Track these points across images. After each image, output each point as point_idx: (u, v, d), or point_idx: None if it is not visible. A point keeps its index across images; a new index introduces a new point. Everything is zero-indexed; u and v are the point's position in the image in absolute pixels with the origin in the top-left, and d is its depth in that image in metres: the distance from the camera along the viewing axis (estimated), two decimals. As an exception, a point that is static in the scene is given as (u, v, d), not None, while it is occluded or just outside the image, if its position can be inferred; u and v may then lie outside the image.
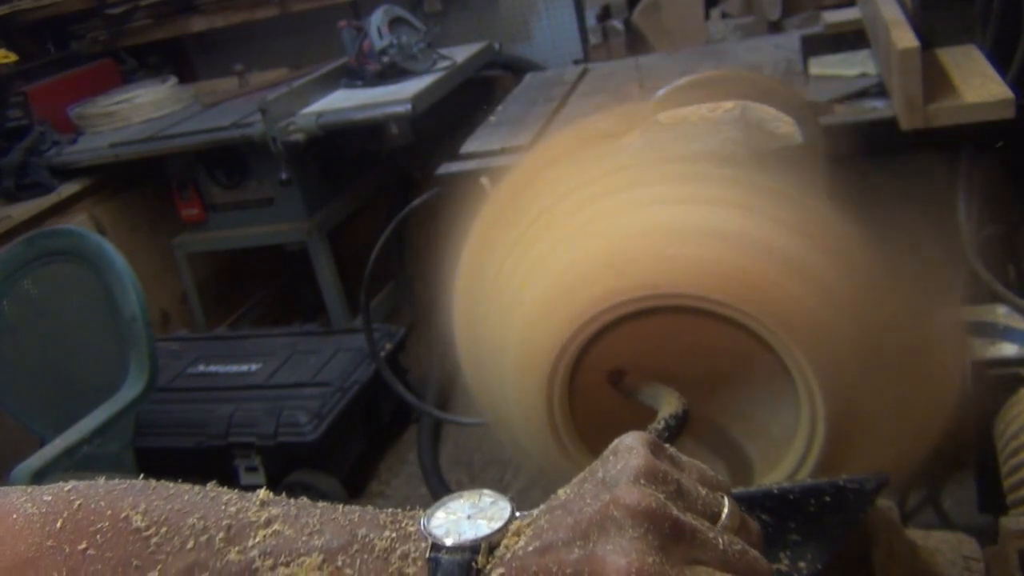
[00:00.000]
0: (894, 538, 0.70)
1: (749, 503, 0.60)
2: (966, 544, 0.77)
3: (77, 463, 1.81)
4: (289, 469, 2.45)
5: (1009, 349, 1.08)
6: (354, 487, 2.62)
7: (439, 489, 2.47)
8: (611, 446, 0.49)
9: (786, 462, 0.74)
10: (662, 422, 0.67)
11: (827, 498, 0.60)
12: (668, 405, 0.70)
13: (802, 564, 0.59)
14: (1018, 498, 0.98)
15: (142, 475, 0.51)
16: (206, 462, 2.46)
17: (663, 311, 0.74)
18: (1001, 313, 1.13)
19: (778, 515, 0.60)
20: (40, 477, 1.72)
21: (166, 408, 2.52)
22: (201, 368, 2.73)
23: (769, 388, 0.74)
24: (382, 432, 2.79)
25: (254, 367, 2.66)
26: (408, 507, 0.50)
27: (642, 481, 0.45)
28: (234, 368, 2.68)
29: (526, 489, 2.45)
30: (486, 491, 0.49)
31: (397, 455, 2.77)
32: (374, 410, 2.70)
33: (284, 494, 0.51)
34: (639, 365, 0.77)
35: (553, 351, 0.76)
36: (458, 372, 0.92)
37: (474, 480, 2.56)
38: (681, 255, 0.73)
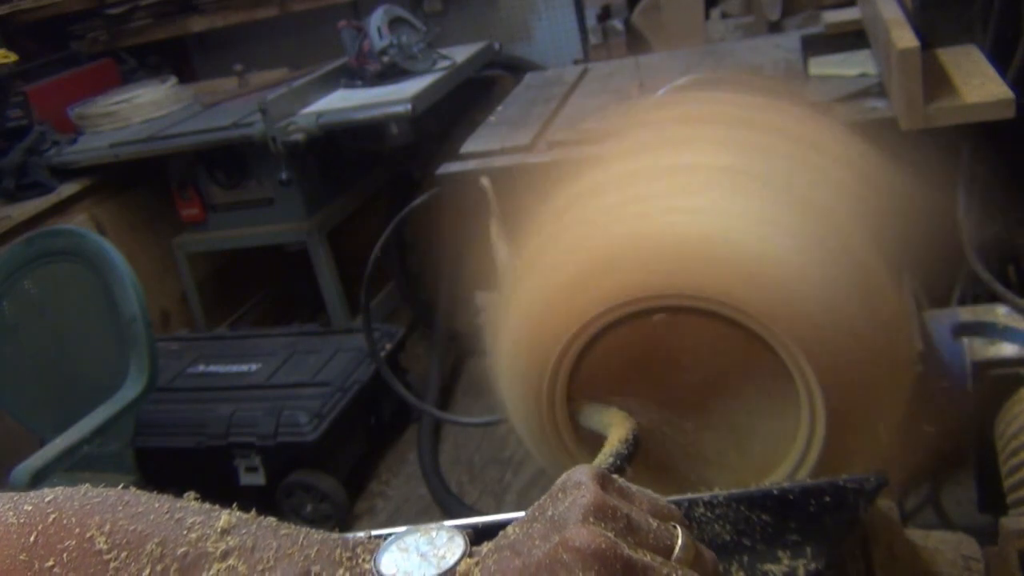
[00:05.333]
0: (894, 538, 0.70)
1: (749, 503, 0.61)
2: (966, 544, 0.77)
3: (77, 463, 1.81)
4: (289, 469, 2.45)
5: (1009, 349, 1.08)
6: (354, 487, 2.62)
7: (439, 489, 2.47)
8: (559, 481, 0.49)
9: (786, 462, 0.75)
10: (612, 450, 0.65)
11: (827, 498, 0.60)
12: (617, 430, 0.68)
13: (802, 564, 0.59)
14: (1018, 498, 0.98)
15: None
16: (206, 462, 2.46)
17: (664, 311, 0.74)
18: (1001, 313, 1.13)
19: (778, 515, 0.60)
20: (40, 477, 1.72)
21: (166, 408, 2.52)
22: (201, 368, 2.73)
23: (769, 388, 0.74)
24: (382, 432, 2.79)
25: (254, 367, 2.66)
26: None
27: (591, 519, 0.45)
28: (234, 368, 2.68)
29: (526, 489, 2.45)
30: (445, 525, 0.48)
31: (397, 455, 2.78)
32: (374, 410, 2.70)
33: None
34: (640, 365, 0.77)
35: (554, 351, 0.76)
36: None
37: (474, 480, 2.56)
38: (683, 256, 0.73)
